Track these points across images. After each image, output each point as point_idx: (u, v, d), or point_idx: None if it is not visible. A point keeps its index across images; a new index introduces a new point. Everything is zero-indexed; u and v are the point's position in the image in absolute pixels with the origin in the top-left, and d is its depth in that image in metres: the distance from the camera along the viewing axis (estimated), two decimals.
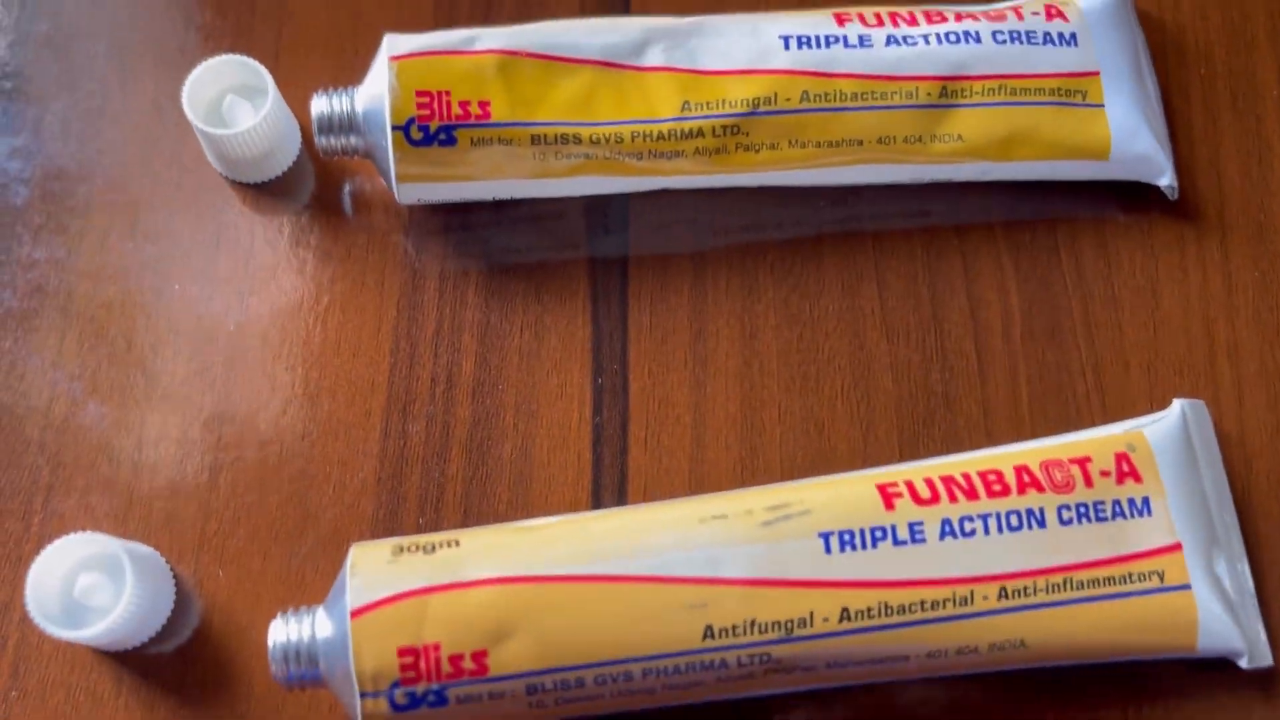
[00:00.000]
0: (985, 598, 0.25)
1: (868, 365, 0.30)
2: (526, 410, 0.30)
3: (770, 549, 0.24)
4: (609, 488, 0.29)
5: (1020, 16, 0.31)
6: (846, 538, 0.25)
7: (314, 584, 0.28)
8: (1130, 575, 0.26)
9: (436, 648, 0.23)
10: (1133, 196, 0.32)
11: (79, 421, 0.29)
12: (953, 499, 0.26)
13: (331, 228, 0.31)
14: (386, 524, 0.28)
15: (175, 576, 0.28)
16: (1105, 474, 0.26)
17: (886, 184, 0.31)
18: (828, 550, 0.25)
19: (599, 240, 0.31)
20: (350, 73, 0.32)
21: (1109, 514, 0.26)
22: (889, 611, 0.24)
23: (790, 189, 0.31)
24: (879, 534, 0.25)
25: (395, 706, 0.23)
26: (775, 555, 0.24)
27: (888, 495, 0.26)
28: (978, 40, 0.30)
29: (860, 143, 0.30)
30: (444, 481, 0.29)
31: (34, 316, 0.30)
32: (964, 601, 0.25)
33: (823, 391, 0.30)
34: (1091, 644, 0.26)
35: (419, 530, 0.28)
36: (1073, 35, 0.31)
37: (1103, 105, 0.31)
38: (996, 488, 0.26)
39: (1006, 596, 0.25)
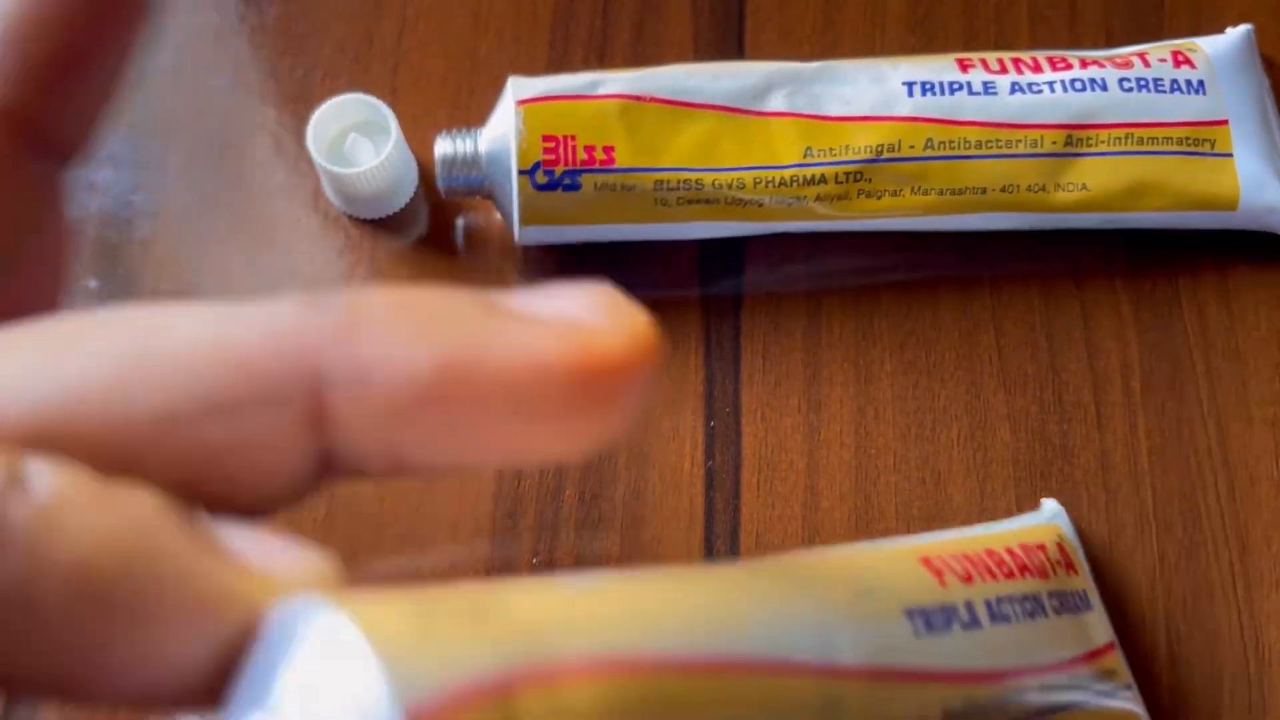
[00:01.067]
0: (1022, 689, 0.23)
1: (984, 414, 0.30)
2: (639, 453, 0.30)
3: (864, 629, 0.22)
4: (722, 535, 0.29)
5: (1147, 63, 0.31)
6: (926, 617, 0.22)
7: None
8: (1098, 675, 0.25)
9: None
10: (1259, 247, 0.31)
11: None
12: (983, 578, 0.23)
13: (446, 265, 0.32)
14: (500, 564, 0.29)
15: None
16: (1057, 563, 0.25)
17: (1007, 230, 0.31)
18: (915, 633, 0.22)
19: (713, 282, 0.31)
20: (466, 111, 0.32)
21: (1072, 604, 0.25)
22: (975, 709, 0.22)
23: (908, 233, 0.31)
24: (949, 613, 0.21)
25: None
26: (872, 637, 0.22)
27: (935, 570, 0.23)
28: (1104, 88, 0.30)
29: (983, 190, 0.29)
30: (557, 524, 0.29)
31: None
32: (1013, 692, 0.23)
33: (939, 440, 0.30)
34: None
35: (532, 570, 0.29)
36: (1200, 83, 0.31)
37: (1231, 155, 0.30)
38: (1005, 568, 0.24)
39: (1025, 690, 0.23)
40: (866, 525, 0.29)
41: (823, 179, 0.29)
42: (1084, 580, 0.26)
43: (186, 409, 0.12)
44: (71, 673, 0.11)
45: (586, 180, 0.28)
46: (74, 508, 0.11)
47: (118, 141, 0.32)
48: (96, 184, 0.32)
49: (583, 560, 0.29)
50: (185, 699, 0.12)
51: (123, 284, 0.31)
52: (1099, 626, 0.26)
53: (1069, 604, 0.25)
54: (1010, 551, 0.25)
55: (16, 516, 0.11)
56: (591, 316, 0.13)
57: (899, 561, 0.24)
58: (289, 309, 0.12)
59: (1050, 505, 0.29)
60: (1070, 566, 0.26)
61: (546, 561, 0.29)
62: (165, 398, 0.12)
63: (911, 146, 0.29)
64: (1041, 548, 0.26)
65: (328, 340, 0.12)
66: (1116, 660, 0.26)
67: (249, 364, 0.12)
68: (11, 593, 0.11)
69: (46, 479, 0.11)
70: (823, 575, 0.21)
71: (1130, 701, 0.26)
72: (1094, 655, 0.25)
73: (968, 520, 0.28)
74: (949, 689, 0.22)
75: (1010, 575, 0.24)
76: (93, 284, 0.31)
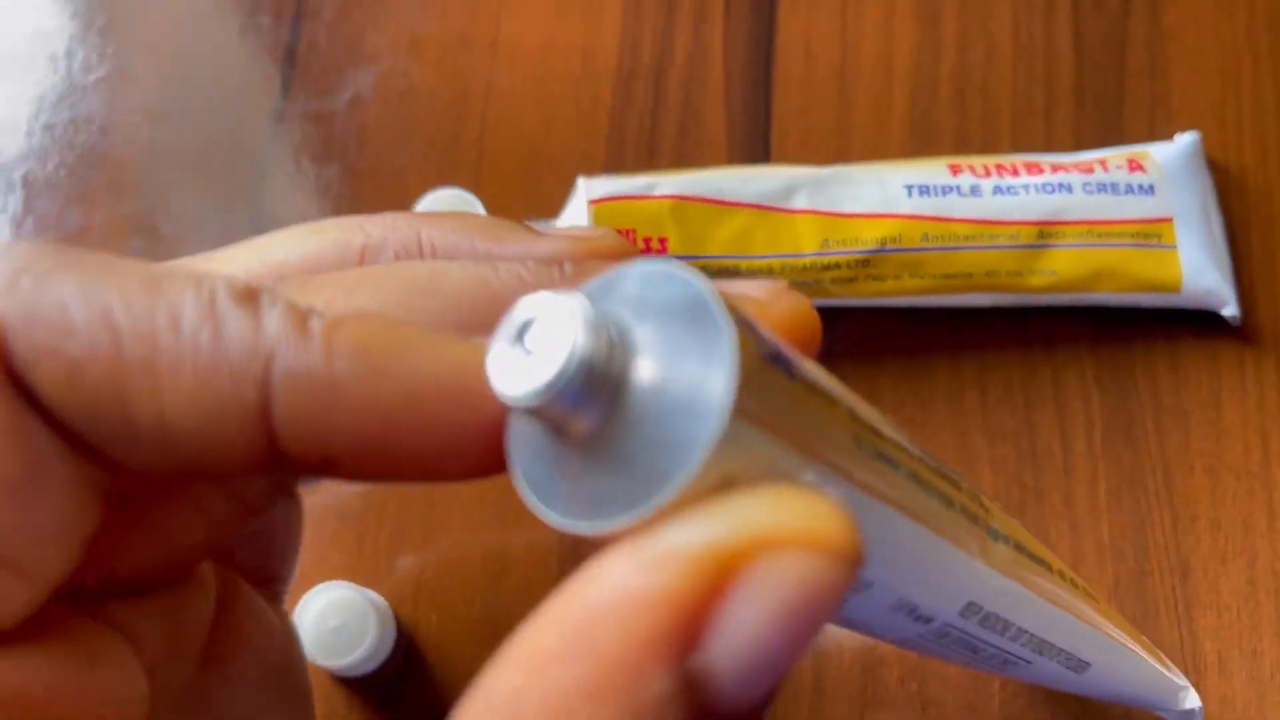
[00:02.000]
0: None
1: (970, 460, 0.36)
2: None
3: None
4: None
5: (1106, 169, 0.37)
6: None
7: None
8: None
9: None
10: (1200, 323, 0.37)
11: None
12: None
13: None
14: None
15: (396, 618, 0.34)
16: None
17: (990, 307, 0.37)
18: None
19: None
20: (538, 201, 0.38)
21: None
22: None
23: (907, 309, 0.37)
24: None
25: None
26: None
27: None
28: (1070, 190, 0.36)
29: (970, 275, 0.35)
30: None
31: None
32: None
33: None
34: None
35: None
36: (1150, 185, 0.37)
37: (1175, 246, 0.36)
38: None
39: None
40: None
41: (837, 265, 0.35)
42: None
43: (453, 326, 0.16)
44: (372, 445, 0.14)
45: None
46: (352, 319, 0.15)
47: (240, 232, 0.38)
48: None
49: None
50: (467, 467, 0.15)
51: None
52: None
53: None
54: None
55: (317, 325, 0.14)
56: None
57: None
58: (533, 266, 0.17)
59: None
60: None
61: None
62: (439, 318, 0.16)
63: (910, 239, 0.35)
64: None
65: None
66: None
67: (501, 301, 0.15)
68: (317, 374, 0.14)
69: (341, 309, 0.15)
70: None
71: None
72: None
73: None
74: None
75: None
76: None
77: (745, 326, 0.13)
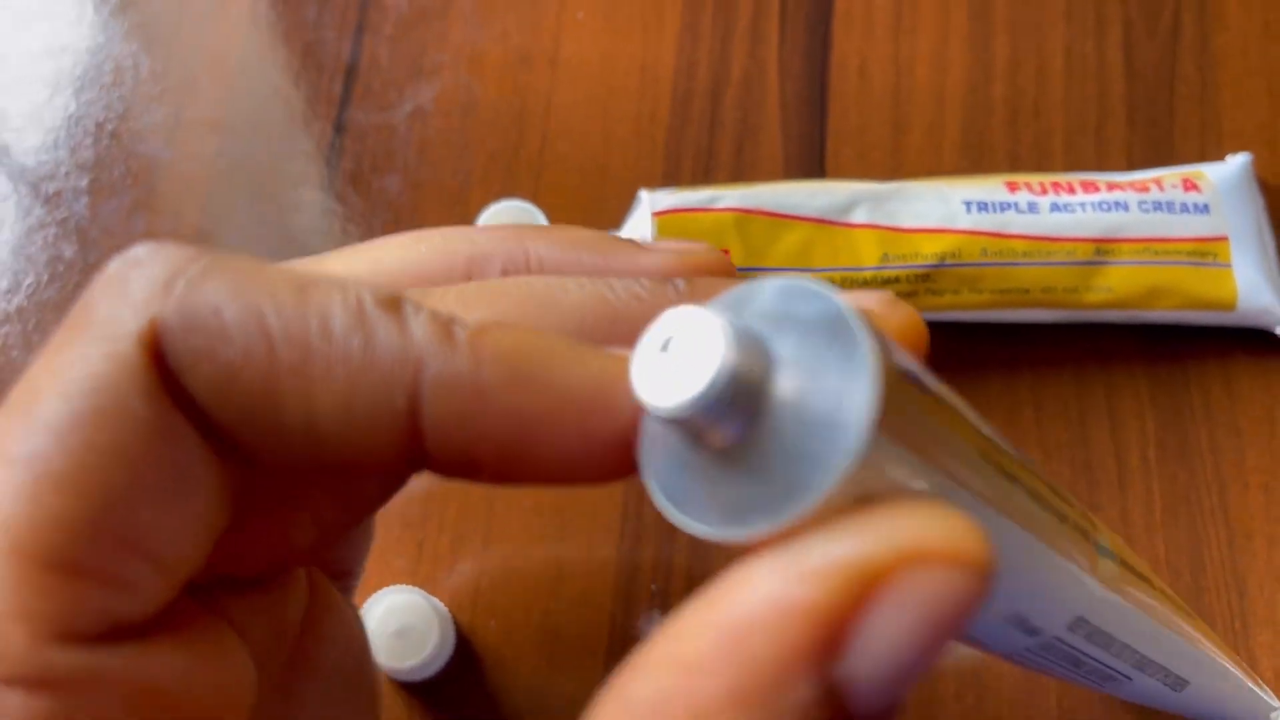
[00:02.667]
0: None
1: None
2: None
3: None
4: None
5: (1162, 188, 0.37)
6: None
7: (569, 640, 0.34)
8: None
9: None
10: (1255, 340, 0.37)
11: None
12: None
13: None
14: (625, 589, 0.35)
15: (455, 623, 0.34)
16: None
17: (1046, 323, 0.37)
18: None
19: None
20: (597, 215, 0.39)
21: None
22: None
23: (964, 324, 0.37)
24: None
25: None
26: None
27: None
28: (1126, 209, 0.36)
29: (1027, 291, 0.36)
30: (672, 554, 0.35)
31: None
32: None
33: None
34: None
35: (650, 598, 0.35)
36: (1205, 205, 0.37)
37: (1230, 265, 0.37)
38: None
39: None
40: None
41: (896, 280, 0.35)
42: None
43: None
44: (515, 450, 0.15)
45: None
46: (496, 328, 0.15)
47: (298, 243, 0.39)
48: None
49: (692, 583, 0.35)
50: (600, 472, 0.15)
51: None
52: None
53: None
54: None
55: (461, 333, 0.15)
56: None
57: None
58: (648, 284, 0.17)
59: None
60: None
61: (662, 590, 0.35)
62: (559, 329, 0.16)
63: (969, 255, 0.35)
64: None
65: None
66: None
67: (619, 318, 0.16)
68: (464, 380, 0.15)
69: (475, 320, 0.15)
70: None
71: None
72: None
73: None
74: None
75: None
76: None
77: (881, 342, 0.13)
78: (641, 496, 0.36)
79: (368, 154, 0.40)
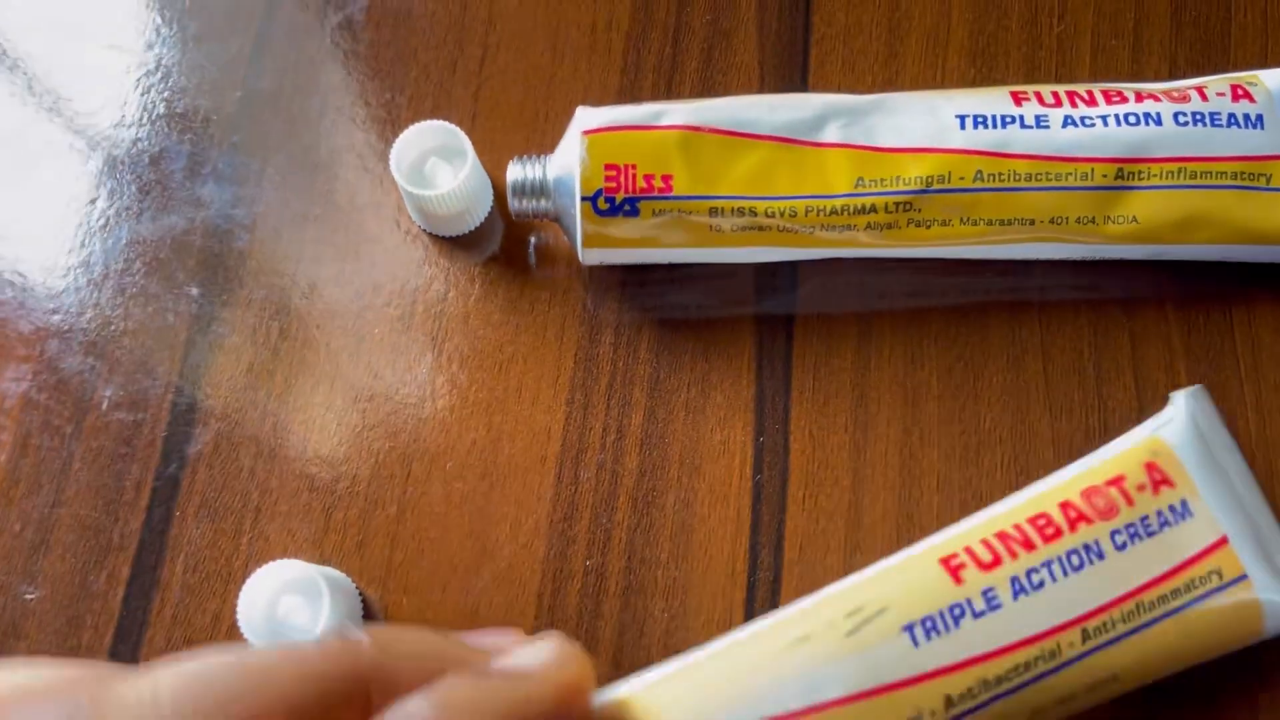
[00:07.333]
0: (1071, 644, 0.25)
1: (1029, 440, 0.31)
2: (690, 464, 0.31)
3: (861, 659, 0.24)
4: (766, 546, 0.30)
5: (1204, 97, 0.31)
6: (929, 624, 0.25)
7: (488, 617, 0.30)
8: (1192, 583, 0.26)
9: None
10: None
11: (285, 453, 0.32)
12: (1013, 555, 0.26)
13: (518, 281, 0.33)
14: (556, 564, 0.30)
15: (364, 600, 0.30)
16: (1141, 488, 0.27)
17: (1056, 259, 0.32)
18: (915, 643, 0.25)
19: (767, 300, 0.33)
20: (541, 137, 0.34)
21: (1156, 526, 0.27)
22: (988, 686, 0.25)
23: (957, 260, 0.32)
24: (957, 611, 0.25)
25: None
26: (868, 664, 0.24)
27: (953, 569, 0.26)
28: (1159, 122, 0.30)
29: (1032, 222, 0.30)
30: (611, 528, 0.31)
31: (251, 354, 0.33)
32: (1053, 654, 0.25)
33: (982, 464, 0.31)
34: (1174, 658, 0.26)
35: (584, 574, 0.30)
36: (1259, 117, 0.31)
37: None
38: (1049, 531, 0.26)
39: (1089, 637, 0.25)
40: (908, 544, 0.30)
41: (873, 208, 0.30)
42: (1184, 489, 0.27)
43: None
44: None
45: (645, 207, 0.30)
46: None
47: (221, 159, 0.35)
48: (201, 198, 0.34)
49: (633, 562, 0.30)
50: None
51: (221, 290, 0.34)
52: (1201, 530, 0.27)
53: (1149, 528, 0.27)
54: (1066, 505, 0.27)
55: None
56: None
57: (917, 570, 0.26)
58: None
59: (1180, 400, 0.29)
60: (1163, 483, 0.27)
61: (599, 565, 0.30)
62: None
63: (961, 178, 0.30)
64: (1117, 481, 0.27)
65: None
66: (1224, 556, 0.27)
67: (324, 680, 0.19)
68: None
69: None
70: (820, 624, 0.24)
71: (1248, 591, 0.27)
72: (1190, 563, 0.26)
73: None
74: (952, 677, 0.24)
75: (1054, 537, 0.26)
76: (194, 291, 0.34)
77: None
78: (579, 459, 0.31)
79: (289, 78, 0.36)
